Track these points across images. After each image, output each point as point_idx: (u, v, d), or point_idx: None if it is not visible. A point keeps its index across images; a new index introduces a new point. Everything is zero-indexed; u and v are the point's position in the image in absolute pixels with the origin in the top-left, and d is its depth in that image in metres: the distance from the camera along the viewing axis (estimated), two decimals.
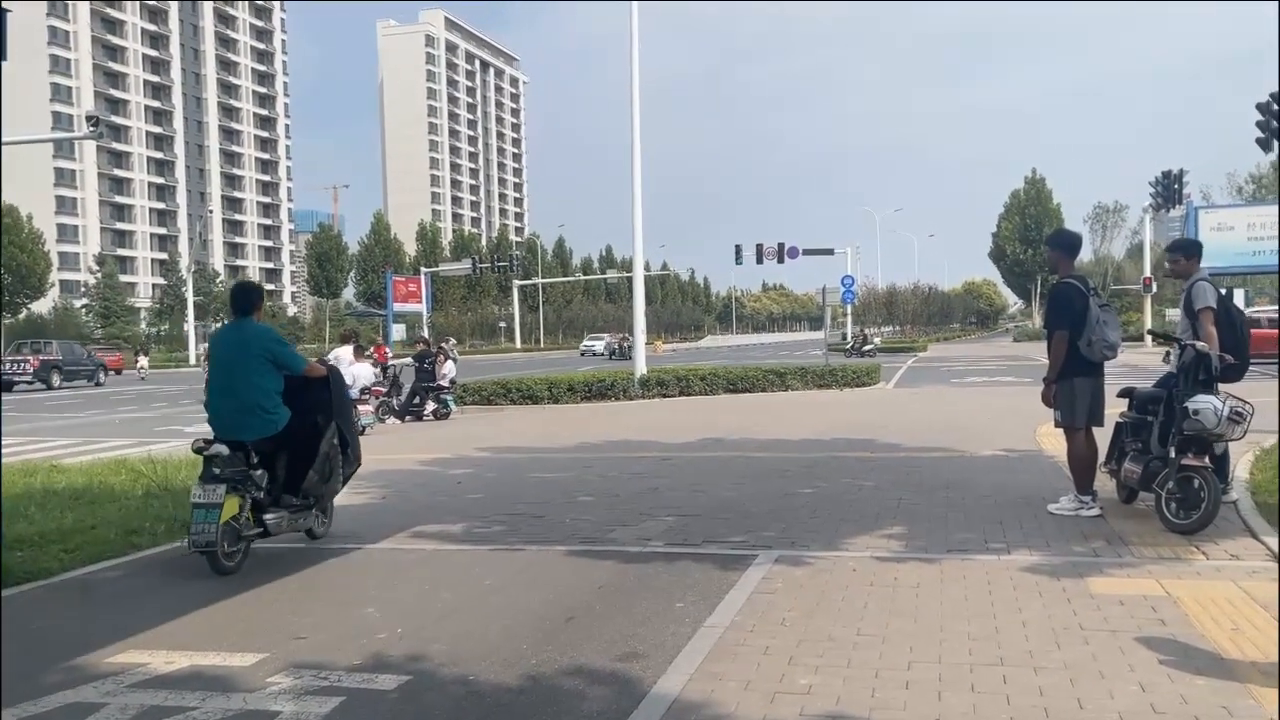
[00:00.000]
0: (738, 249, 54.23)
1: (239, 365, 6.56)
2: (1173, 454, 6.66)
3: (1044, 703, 3.74)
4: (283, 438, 6.65)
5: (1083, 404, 7.20)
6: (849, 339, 57.78)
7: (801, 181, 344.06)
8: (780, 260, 51.54)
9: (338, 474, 7.19)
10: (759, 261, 52.42)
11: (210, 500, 6.13)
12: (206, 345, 6.72)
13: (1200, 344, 6.72)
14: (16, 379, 34.32)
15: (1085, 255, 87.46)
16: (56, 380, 35.50)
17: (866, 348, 50.85)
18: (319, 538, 7.22)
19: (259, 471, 6.54)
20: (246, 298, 6.95)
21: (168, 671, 4.39)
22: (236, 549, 6.32)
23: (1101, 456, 7.51)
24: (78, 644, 4.84)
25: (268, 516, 6.55)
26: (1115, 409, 7.64)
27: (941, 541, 6.60)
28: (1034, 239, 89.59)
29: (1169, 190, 48.00)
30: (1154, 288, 53.10)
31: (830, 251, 56.49)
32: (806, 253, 52.19)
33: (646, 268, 22.52)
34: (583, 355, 63.14)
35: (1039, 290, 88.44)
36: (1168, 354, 7.45)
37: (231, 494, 6.22)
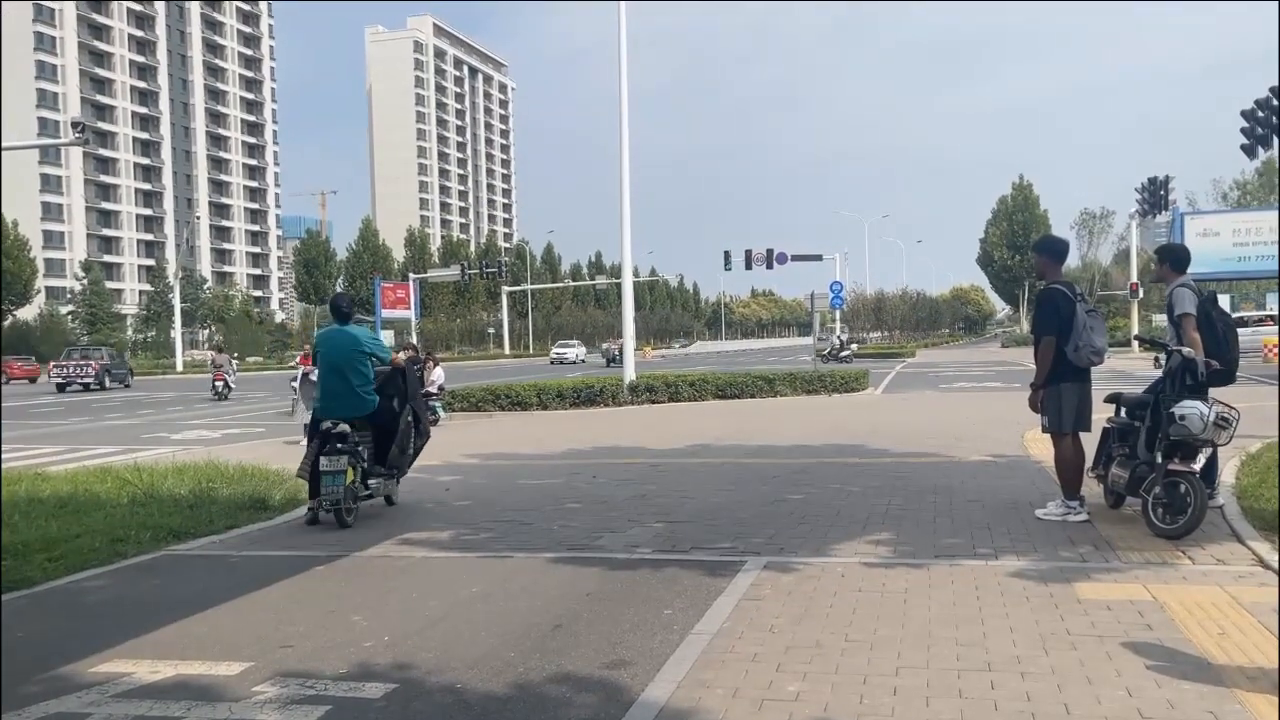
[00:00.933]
0: (727, 255, 54.35)
1: (347, 359, 8.28)
2: (1159, 459, 6.69)
3: (1031, 708, 3.74)
4: (371, 418, 8.39)
5: (1070, 409, 7.22)
6: (832, 343, 57.07)
7: (790, 188, 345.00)
8: (769, 266, 51.61)
9: (410, 447, 8.94)
10: (748, 267, 52.50)
11: (337, 468, 7.85)
12: (309, 347, 9.06)
13: (1186, 350, 6.75)
14: (80, 380, 40.17)
15: (1072, 261, 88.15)
16: (107, 381, 40.98)
17: (844, 353, 51.14)
18: (394, 504, 8.82)
19: (360, 446, 8.21)
20: (347, 307, 8.78)
21: (153, 681, 4.35)
22: (353, 507, 8.00)
23: (1089, 461, 7.54)
24: (61, 653, 4.80)
25: (371, 481, 8.35)
26: (1103, 414, 7.67)
27: (929, 547, 6.61)
28: (1021, 245, 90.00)
29: (1155, 196, 48.35)
30: (1140, 293, 53.38)
31: (819, 257, 56.72)
32: (795, 258, 52.33)
33: (635, 273, 22.52)
34: (553, 364, 59.05)
35: (1026, 296, 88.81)
36: (1157, 359, 7.48)
37: (350, 463, 7.97)
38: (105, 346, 54.04)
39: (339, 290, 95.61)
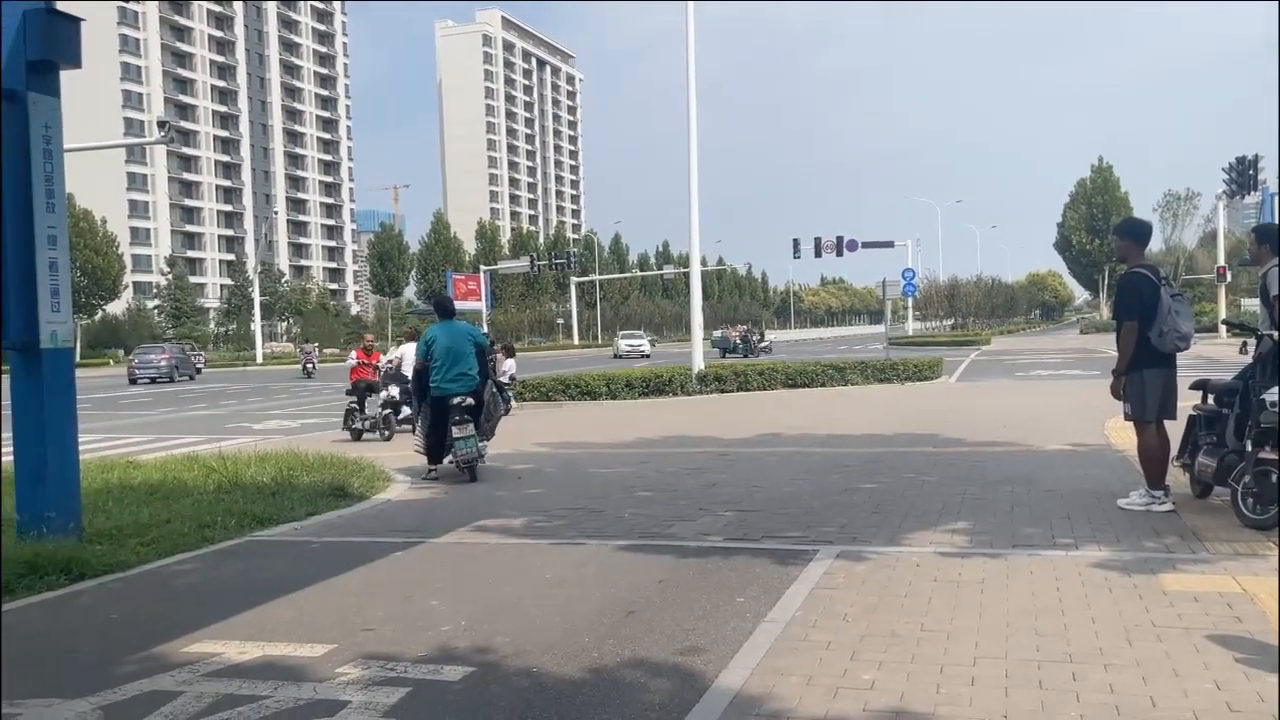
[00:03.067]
0: (795, 243, 53.94)
1: (463, 347, 10.31)
2: (1249, 447, 6.47)
3: (1115, 700, 3.66)
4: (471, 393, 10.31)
5: (1154, 397, 7.02)
6: (734, 341, 51.05)
7: (861, 174, 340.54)
8: (839, 254, 51.12)
9: (495, 415, 11.07)
10: (817, 255, 52.08)
11: (468, 434, 9.98)
12: (424, 341, 10.50)
13: (1278, 333, 6.51)
14: (149, 374, 42.38)
15: (1155, 244, 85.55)
16: (175, 375, 43.41)
17: (763, 345, 49.61)
18: (484, 461, 10.54)
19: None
20: (451, 305, 11.15)
21: (240, 661, 4.50)
22: (476, 465, 10.07)
23: (1174, 450, 7.32)
24: (154, 634, 4.98)
25: (480, 444, 10.31)
26: (1188, 401, 7.45)
27: (1007, 537, 6.50)
28: (1101, 228, 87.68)
29: (1244, 176, 46.52)
30: (1228, 277, 51.64)
31: (890, 244, 55.93)
32: (866, 246, 51.73)
33: (703, 263, 22.37)
34: (618, 358, 48.87)
35: (1106, 281, 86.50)
36: (1244, 345, 7.23)
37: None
38: (171, 342, 58.06)
39: (421, 289, 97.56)
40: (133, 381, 41.28)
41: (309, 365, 42.72)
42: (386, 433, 14.75)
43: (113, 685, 4.22)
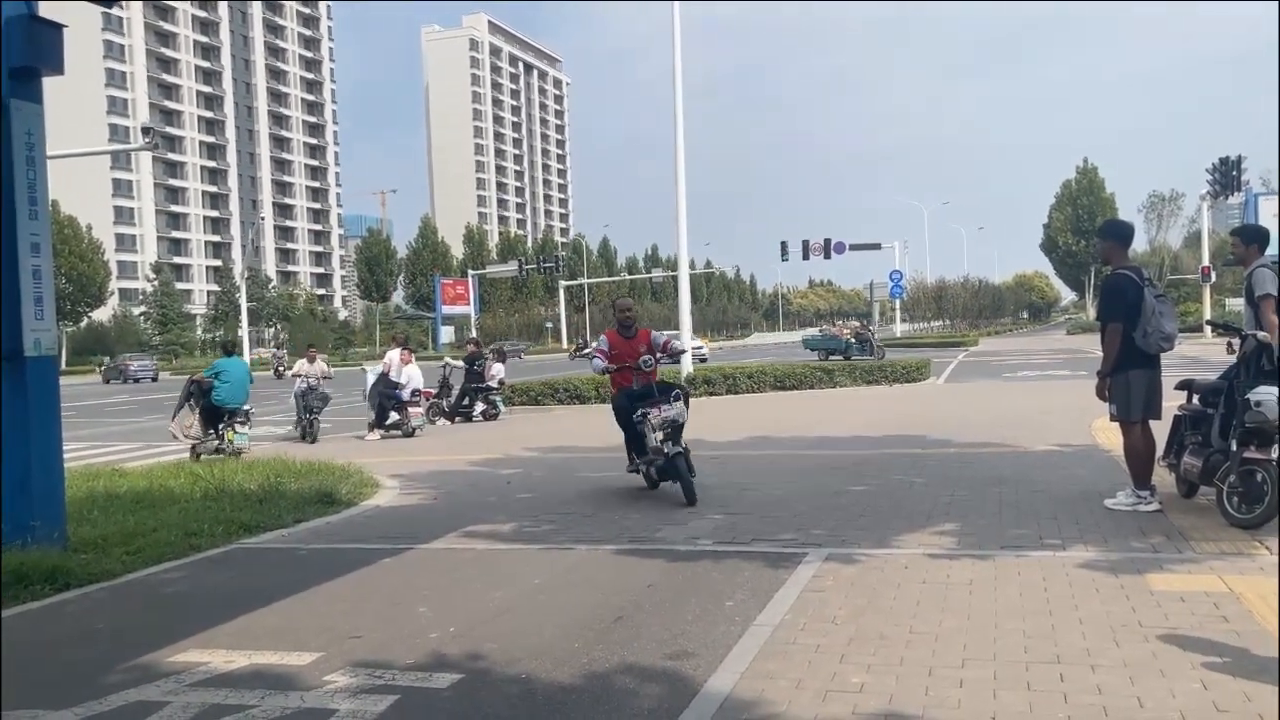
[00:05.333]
0: (783, 245, 54.05)
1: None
2: (1234, 447, 6.50)
3: (1102, 701, 3.68)
4: None
5: (1139, 397, 7.05)
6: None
7: (848, 177, 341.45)
8: (827, 256, 51.32)
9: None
10: (805, 257, 52.25)
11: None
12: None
13: (1262, 334, 6.55)
14: (141, 376, 53.49)
15: (1140, 245, 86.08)
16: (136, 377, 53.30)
17: (585, 351, 47.27)
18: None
19: None
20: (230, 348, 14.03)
21: (227, 670, 4.47)
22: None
23: (1160, 450, 7.36)
24: (141, 643, 4.95)
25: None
26: (1173, 401, 7.48)
27: (995, 538, 6.52)
28: (1086, 230, 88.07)
29: (1227, 177, 46.86)
30: (1213, 277, 51.93)
31: (877, 246, 56.12)
32: (853, 248, 51.94)
33: (691, 266, 22.40)
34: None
35: (1092, 282, 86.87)
36: (1230, 344, 7.28)
37: None
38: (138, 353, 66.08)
39: (409, 293, 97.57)
40: (108, 381, 51.84)
41: (280, 367, 50.38)
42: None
43: (98, 695, 4.19)
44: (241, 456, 13.12)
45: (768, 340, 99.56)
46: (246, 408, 14.05)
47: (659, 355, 9.02)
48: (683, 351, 10.44)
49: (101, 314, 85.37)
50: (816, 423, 15.13)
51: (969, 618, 4.77)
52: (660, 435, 8.51)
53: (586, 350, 12.64)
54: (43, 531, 6.75)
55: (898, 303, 54.72)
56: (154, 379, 54.43)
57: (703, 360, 38.43)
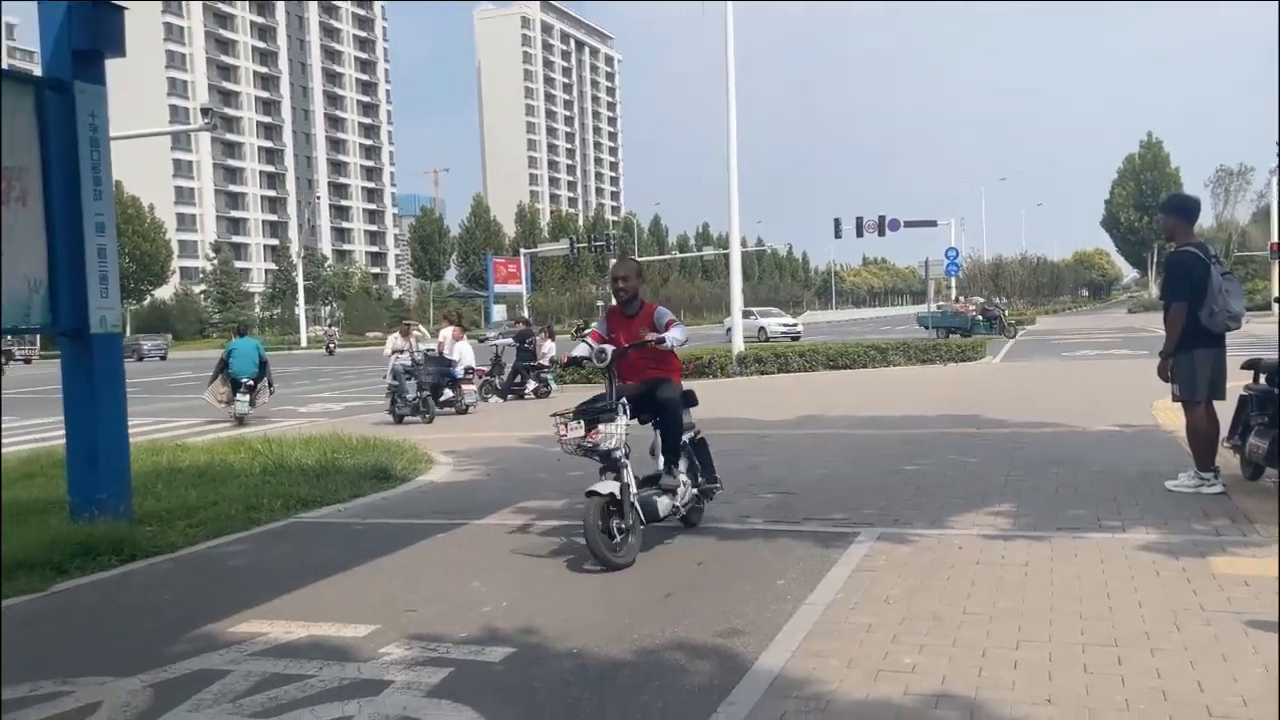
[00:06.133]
0: (837, 222, 53.33)
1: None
2: None
3: (1161, 684, 3.61)
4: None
5: (1203, 377, 6.88)
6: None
7: (904, 153, 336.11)
8: (881, 233, 50.46)
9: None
10: (859, 235, 51.46)
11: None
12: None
13: None
14: (152, 355, 55.14)
15: (1206, 220, 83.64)
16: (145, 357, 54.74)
17: (585, 332, 42.00)
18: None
19: None
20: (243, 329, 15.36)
21: (287, 641, 4.57)
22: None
23: (1224, 431, 7.18)
24: (203, 614, 5.08)
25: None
26: (1238, 381, 7.28)
27: (1051, 519, 6.41)
28: (1150, 205, 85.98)
29: None
30: None
31: (933, 223, 55.19)
32: (908, 225, 50.98)
33: (743, 244, 22.20)
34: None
35: (1155, 259, 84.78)
36: None
37: None
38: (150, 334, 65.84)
39: (462, 272, 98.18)
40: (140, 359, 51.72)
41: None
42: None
43: (163, 664, 4.31)
44: (244, 421, 15.75)
45: (819, 319, 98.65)
46: (248, 381, 16.22)
47: (652, 339, 6.35)
48: (667, 340, 6.40)
49: (164, 292, 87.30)
50: (869, 402, 14.99)
51: (1024, 599, 4.71)
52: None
53: (587, 331, 9.24)
54: (109, 504, 6.94)
55: (953, 280, 53.74)
56: (163, 358, 55.62)
57: (795, 339, 36.96)
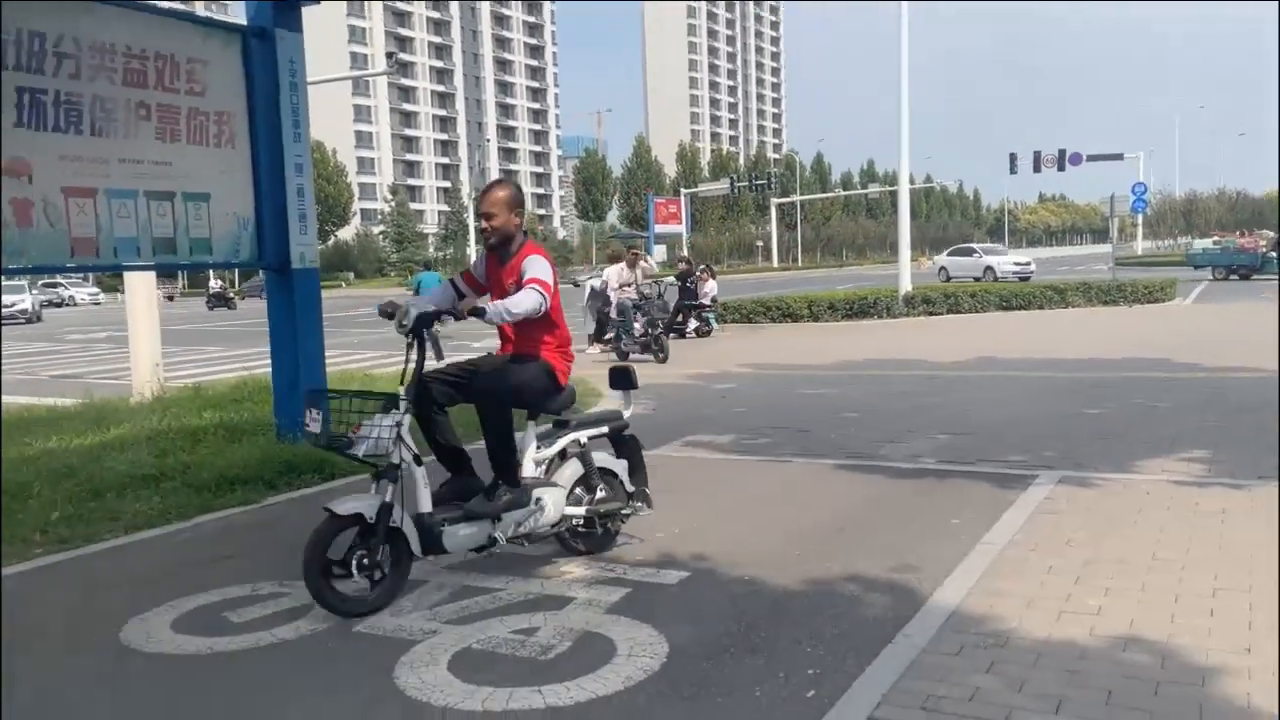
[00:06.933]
0: (1012, 157, 50.88)
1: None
2: None
3: None
4: None
5: None
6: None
7: (1088, 79, 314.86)
8: (1060, 168, 47.85)
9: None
10: (1036, 170, 49.00)
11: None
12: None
13: None
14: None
15: None
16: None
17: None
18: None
19: None
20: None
21: (475, 558, 4.85)
22: None
23: None
24: None
25: None
26: None
27: (1250, 467, 6.05)
28: None
29: None
30: None
31: (1119, 156, 52.02)
32: (1091, 159, 48.17)
33: (910, 180, 21.33)
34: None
35: None
36: None
37: None
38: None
39: (624, 213, 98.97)
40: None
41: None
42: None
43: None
44: None
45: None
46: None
47: (463, 309, 4.93)
48: (488, 312, 4.69)
49: (346, 233, 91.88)
50: (1047, 343, 14.38)
51: (1220, 548, 4.49)
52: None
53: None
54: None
55: (1140, 218, 50.40)
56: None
57: (1025, 279, 32.93)
